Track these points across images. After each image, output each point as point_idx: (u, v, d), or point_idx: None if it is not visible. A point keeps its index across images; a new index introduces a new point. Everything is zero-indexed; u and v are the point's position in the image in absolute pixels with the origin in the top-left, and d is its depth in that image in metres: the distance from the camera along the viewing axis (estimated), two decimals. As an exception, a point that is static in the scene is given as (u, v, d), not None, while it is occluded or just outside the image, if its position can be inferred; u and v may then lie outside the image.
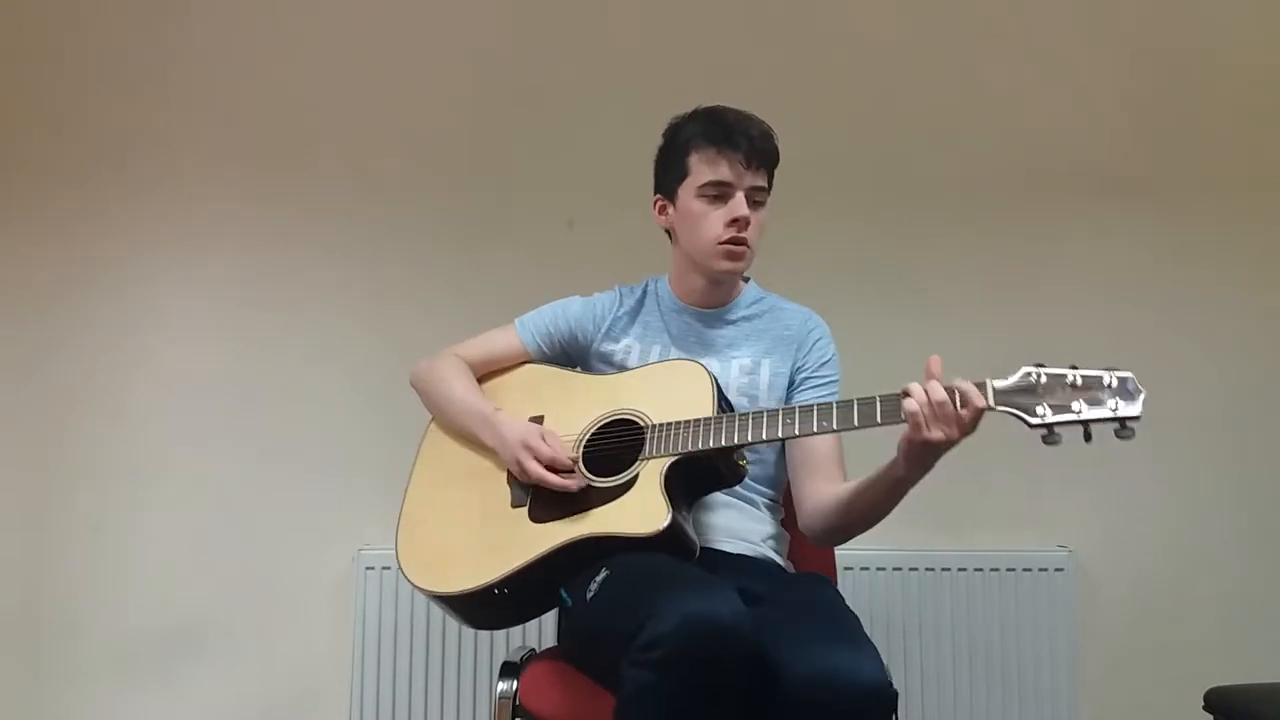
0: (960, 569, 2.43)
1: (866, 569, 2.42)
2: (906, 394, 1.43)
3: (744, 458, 1.65)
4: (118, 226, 2.58)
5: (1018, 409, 1.40)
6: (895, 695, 1.39)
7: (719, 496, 1.72)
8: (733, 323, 1.82)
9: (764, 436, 1.57)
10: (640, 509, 1.57)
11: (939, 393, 1.41)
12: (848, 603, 1.61)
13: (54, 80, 2.61)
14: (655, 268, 1.90)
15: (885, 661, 1.41)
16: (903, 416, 1.44)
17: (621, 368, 1.80)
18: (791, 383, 1.78)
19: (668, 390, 1.68)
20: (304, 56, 2.61)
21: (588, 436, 1.70)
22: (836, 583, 1.83)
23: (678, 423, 1.62)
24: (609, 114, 2.55)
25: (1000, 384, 1.41)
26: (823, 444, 1.71)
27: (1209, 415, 2.52)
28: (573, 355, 1.88)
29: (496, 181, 2.58)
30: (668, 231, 1.83)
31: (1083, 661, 2.44)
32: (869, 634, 1.48)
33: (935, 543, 2.45)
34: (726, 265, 1.74)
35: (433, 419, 1.88)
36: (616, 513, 1.59)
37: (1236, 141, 2.57)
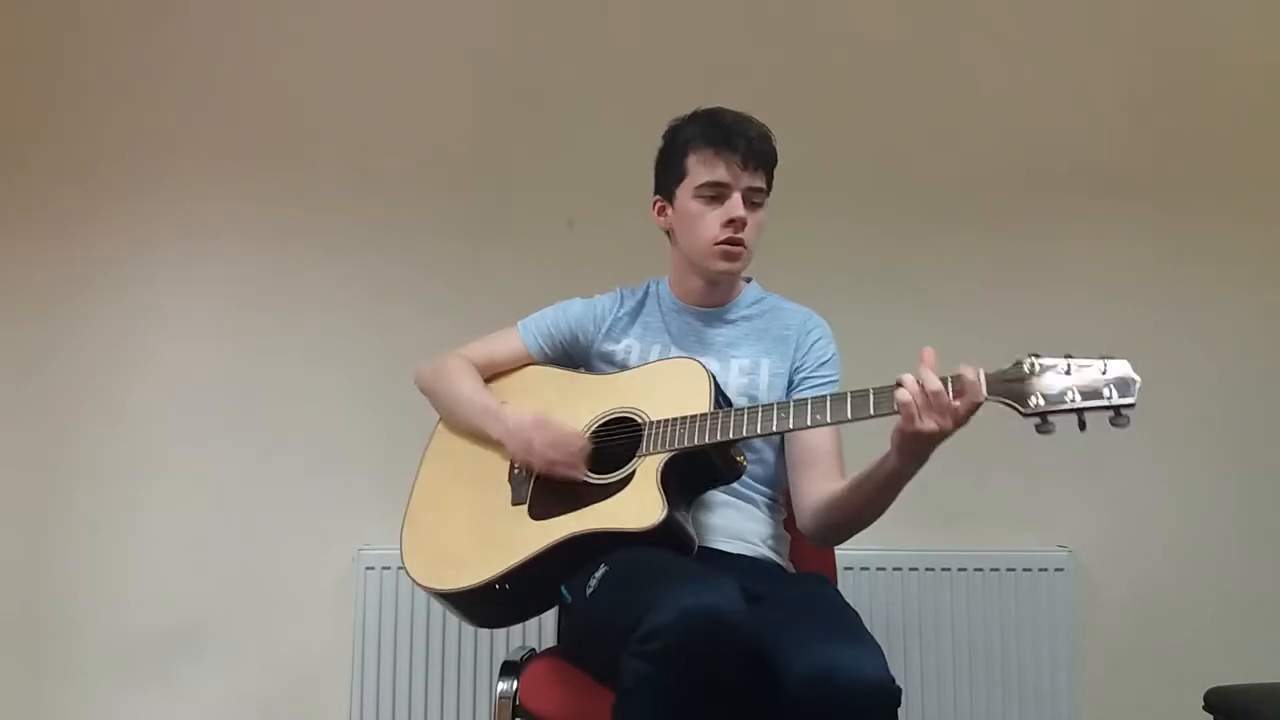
0: (960, 569, 2.43)
1: (866, 569, 2.42)
2: (900, 385, 1.43)
3: (741, 453, 1.66)
4: (118, 226, 2.58)
5: (1010, 398, 1.39)
6: (898, 692, 1.38)
7: (718, 496, 1.72)
8: (732, 323, 1.82)
9: (758, 430, 1.57)
10: (636, 504, 1.58)
11: (933, 382, 1.41)
12: (848, 602, 1.61)
13: (54, 80, 2.61)
14: (655, 268, 1.90)
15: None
16: (896, 408, 1.43)
17: (622, 367, 1.81)
18: (790, 383, 1.78)
19: (666, 388, 1.69)
20: (304, 56, 2.61)
21: (588, 435, 1.70)
22: (837, 583, 1.83)
23: (674, 419, 1.62)
24: (609, 114, 2.56)
25: (993, 373, 1.41)
26: (821, 442, 1.71)
27: (1209, 415, 2.52)
28: (574, 356, 1.88)
29: (496, 181, 2.58)
30: (667, 232, 1.83)
31: (1083, 661, 2.44)
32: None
33: (935, 543, 2.45)
34: (723, 265, 1.75)
35: (440, 419, 1.89)
36: (613, 508, 1.60)
37: (1236, 141, 2.57)
